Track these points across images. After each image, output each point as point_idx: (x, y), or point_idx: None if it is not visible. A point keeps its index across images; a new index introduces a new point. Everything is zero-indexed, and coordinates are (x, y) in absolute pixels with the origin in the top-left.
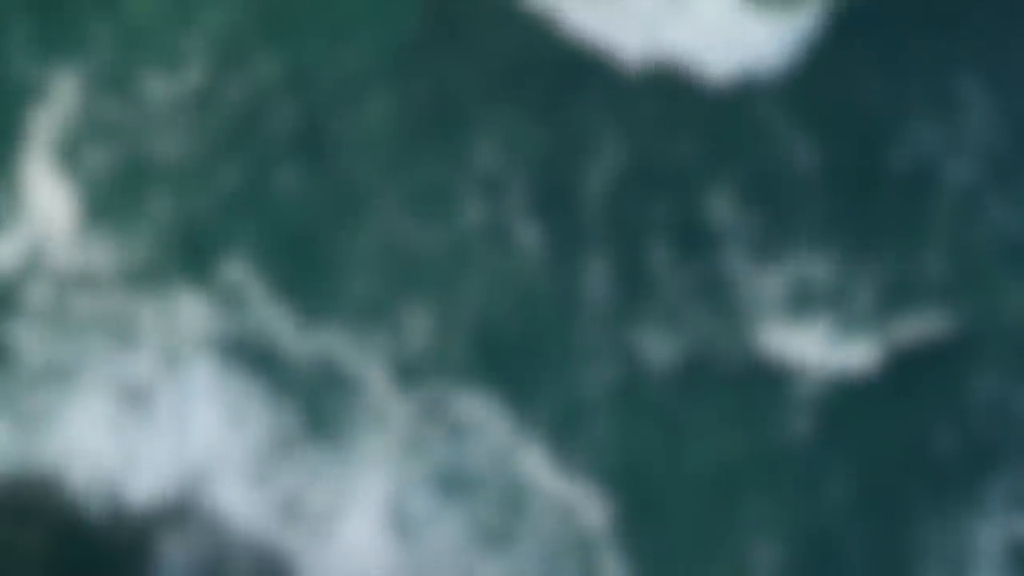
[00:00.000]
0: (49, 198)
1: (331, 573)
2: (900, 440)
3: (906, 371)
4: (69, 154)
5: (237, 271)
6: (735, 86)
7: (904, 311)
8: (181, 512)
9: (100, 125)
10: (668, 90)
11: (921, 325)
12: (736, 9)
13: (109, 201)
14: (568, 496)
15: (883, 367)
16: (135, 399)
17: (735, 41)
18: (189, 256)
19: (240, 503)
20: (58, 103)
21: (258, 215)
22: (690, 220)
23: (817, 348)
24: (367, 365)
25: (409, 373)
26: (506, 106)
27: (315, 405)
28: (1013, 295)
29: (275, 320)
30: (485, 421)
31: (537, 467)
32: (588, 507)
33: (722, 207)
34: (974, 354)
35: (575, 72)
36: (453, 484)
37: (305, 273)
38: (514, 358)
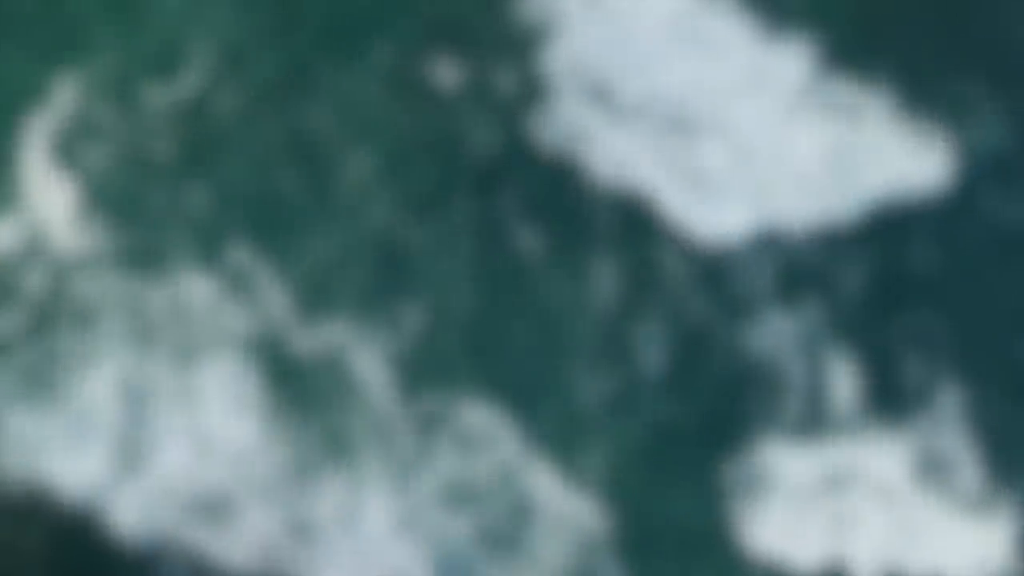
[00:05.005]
0: (48, 191)
1: None
2: None
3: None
4: (68, 149)
5: (239, 265)
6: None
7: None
8: (184, 515)
9: (100, 121)
10: None
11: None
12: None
13: (109, 194)
14: (571, 507)
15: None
16: (139, 395)
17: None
18: (191, 250)
19: (245, 504)
20: (58, 101)
21: (259, 211)
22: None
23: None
24: (371, 373)
25: (412, 383)
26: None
27: (321, 416)
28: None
29: (280, 320)
30: (490, 432)
31: (541, 477)
32: (590, 518)
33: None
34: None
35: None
36: (459, 495)
37: (305, 277)
38: (516, 366)
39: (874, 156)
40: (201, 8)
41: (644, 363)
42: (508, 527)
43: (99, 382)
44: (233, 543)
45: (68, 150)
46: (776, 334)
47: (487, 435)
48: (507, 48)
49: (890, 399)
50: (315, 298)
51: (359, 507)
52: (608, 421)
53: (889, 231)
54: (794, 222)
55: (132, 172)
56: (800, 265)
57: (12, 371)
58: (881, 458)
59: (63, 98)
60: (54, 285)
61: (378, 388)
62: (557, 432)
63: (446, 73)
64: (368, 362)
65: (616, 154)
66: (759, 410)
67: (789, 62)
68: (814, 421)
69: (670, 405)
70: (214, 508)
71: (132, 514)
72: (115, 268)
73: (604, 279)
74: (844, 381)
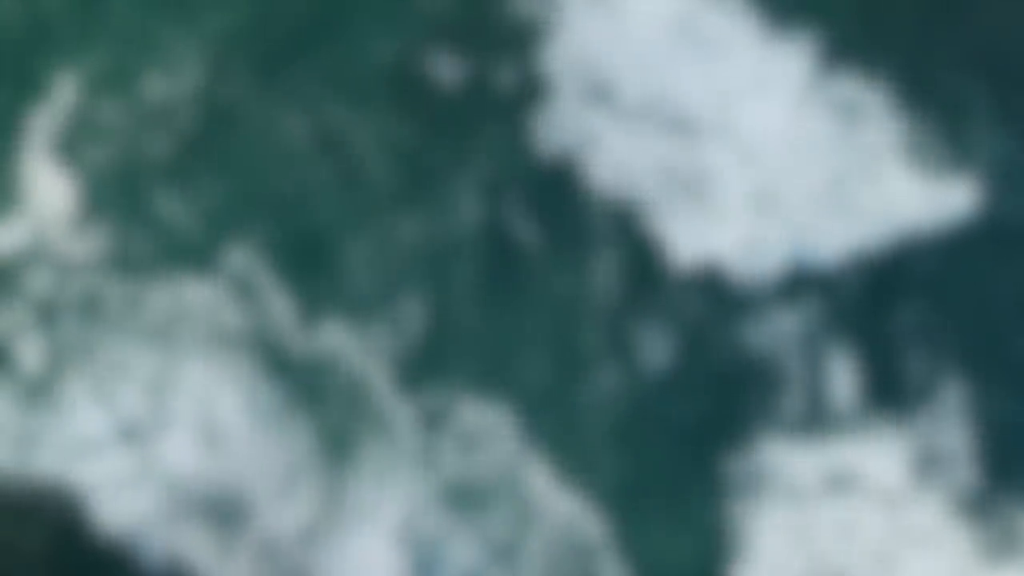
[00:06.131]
0: (49, 190)
1: None
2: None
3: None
4: (69, 148)
5: (242, 266)
6: None
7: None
8: (184, 515)
9: (101, 120)
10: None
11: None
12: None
13: (110, 192)
14: (570, 507)
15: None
16: (139, 395)
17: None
18: (192, 249)
19: (246, 504)
20: (58, 99)
21: (261, 211)
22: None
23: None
24: (371, 373)
25: (413, 383)
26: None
27: (321, 416)
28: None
29: (280, 322)
30: (490, 432)
31: (541, 478)
32: (590, 517)
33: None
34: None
35: None
36: (460, 495)
37: (307, 277)
38: (516, 366)
39: (875, 154)
40: (200, 6)
41: (645, 362)
42: (508, 527)
43: (99, 382)
44: (234, 543)
45: (69, 149)
46: (776, 332)
47: (487, 435)
48: (507, 47)
49: (891, 397)
50: (316, 297)
51: (359, 507)
52: (608, 420)
53: (890, 228)
54: (795, 220)
55: (133, 171)
56: (800, 262)
57: (13, 370)
58: (881, 456)
59: (63, 97)
60: (55, 284)
61: (378, 388)
62: (557, 432)
63: (446, 72)
64: (368, 362)
65: (617, 153)
66: (759, 408)
67: (792, 61)
68: (814, 419)
69: (670, 404)
70: (214, 508)
71: (132, 514)
72: (116, 267)
73: (604, 278)
74: (844, 379)
